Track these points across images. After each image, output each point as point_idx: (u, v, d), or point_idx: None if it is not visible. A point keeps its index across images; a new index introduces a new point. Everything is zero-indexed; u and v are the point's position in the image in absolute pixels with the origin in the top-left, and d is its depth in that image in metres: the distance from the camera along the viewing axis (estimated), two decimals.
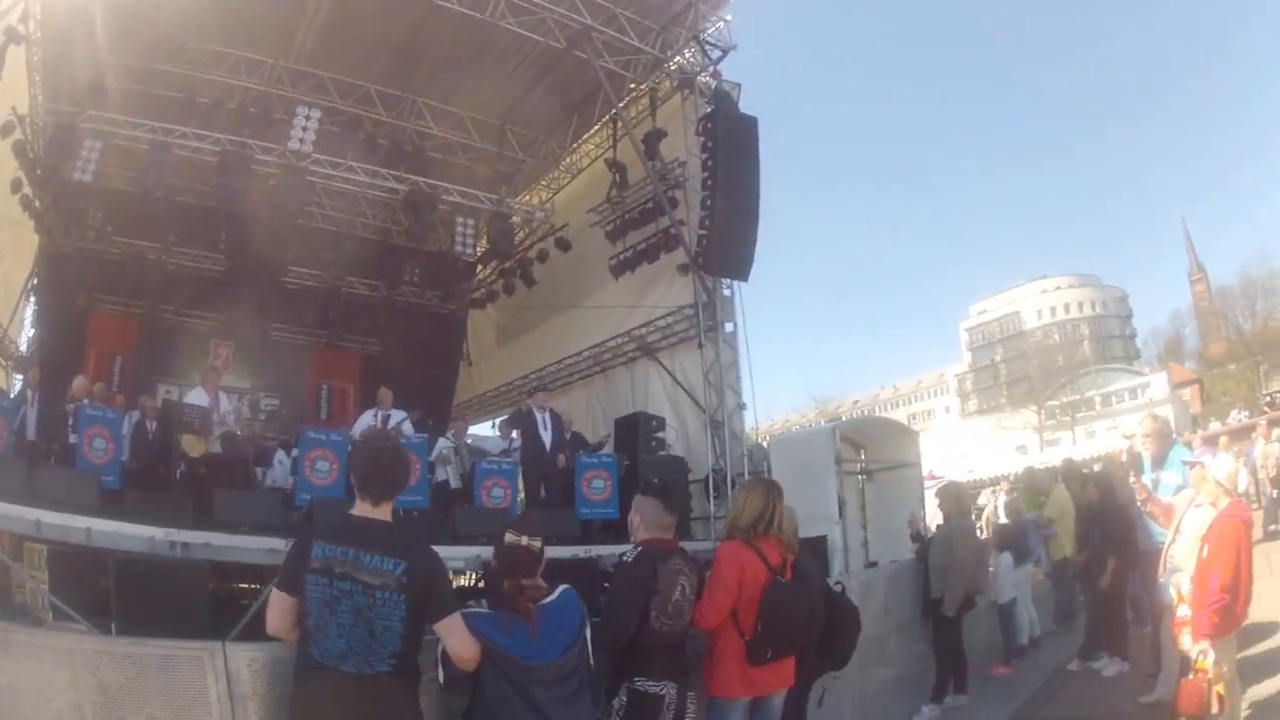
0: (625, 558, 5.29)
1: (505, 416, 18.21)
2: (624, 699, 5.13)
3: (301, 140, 16.40)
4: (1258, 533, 14.67)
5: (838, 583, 7.26)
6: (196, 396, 13.39)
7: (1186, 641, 6.65)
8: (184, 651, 4.46)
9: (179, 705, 4.35)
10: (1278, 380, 62.75)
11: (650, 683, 5.12)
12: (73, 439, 11.87)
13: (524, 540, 4.66)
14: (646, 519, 5.49)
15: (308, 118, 16.57)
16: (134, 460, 12.96)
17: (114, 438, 12.12)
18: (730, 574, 5.60)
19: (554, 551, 5.53)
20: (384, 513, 4.43)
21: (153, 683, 4.34)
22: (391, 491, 4.51)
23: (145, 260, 19.44)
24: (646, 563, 5.16)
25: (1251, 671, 7.66)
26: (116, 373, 18.45)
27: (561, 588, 4.70)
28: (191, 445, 12.32)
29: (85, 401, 12.40)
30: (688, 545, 10.78)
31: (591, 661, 4.70)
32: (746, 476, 15.48)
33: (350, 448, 12.30)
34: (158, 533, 9.59)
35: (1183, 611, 6.82)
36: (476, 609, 4.48)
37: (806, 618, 5.85)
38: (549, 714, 4.32)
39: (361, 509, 4.42)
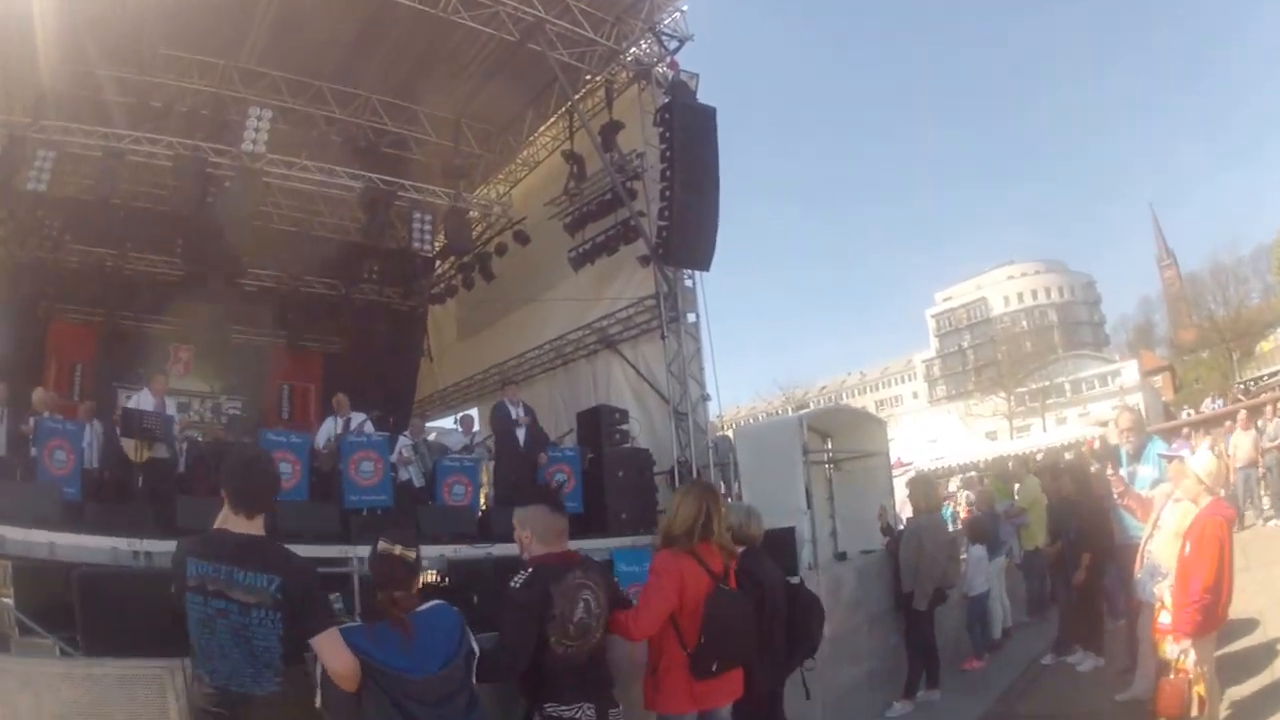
0: (514, 584, 4.84)
1: (466, 412, 18.19)
2: None
3: (254, 141, 16.13)
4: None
5: (796, 577, 7.22)
6: (142, 399, 13.36)
7: (1169, 649, 6.56)
8: (142, 671, 4.42)
9: None
10: (1250, 367, 63.07)
11: (563, 707, 4.79)
12: (33, 452, 11.75)
13: (397, 549, 4.45)
14: (536, 531, 5.07)
15: (259, 118, 16.30)
16: (104, 469, 12.90)
17: (74, 449, 12.02)
18: (669, 583, 5.26)
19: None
20: (257, 526, 4.23)
21: (113, 703, 4.31)
22: (265, 504, 4.31)
23: (103, 267, 19.28)
24: (537, 588, 4.75)
25: (1230, 669, 7.60)
26: (77, 381, 18.41)
27: (435, 601, 4.53)
28: (135, 450, 12.22)
29: (45, 414, 12.32)
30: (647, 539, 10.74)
31: (474, 679, 4.49)
32: (712, 468, 15.60)
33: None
34: (120, 543, 9.54)
35: (1164, 619, 6.75)
36: (348, 624, 4.30)
37: (752, 627, 5.55)
38: None
39: (234, 523, 4.20)
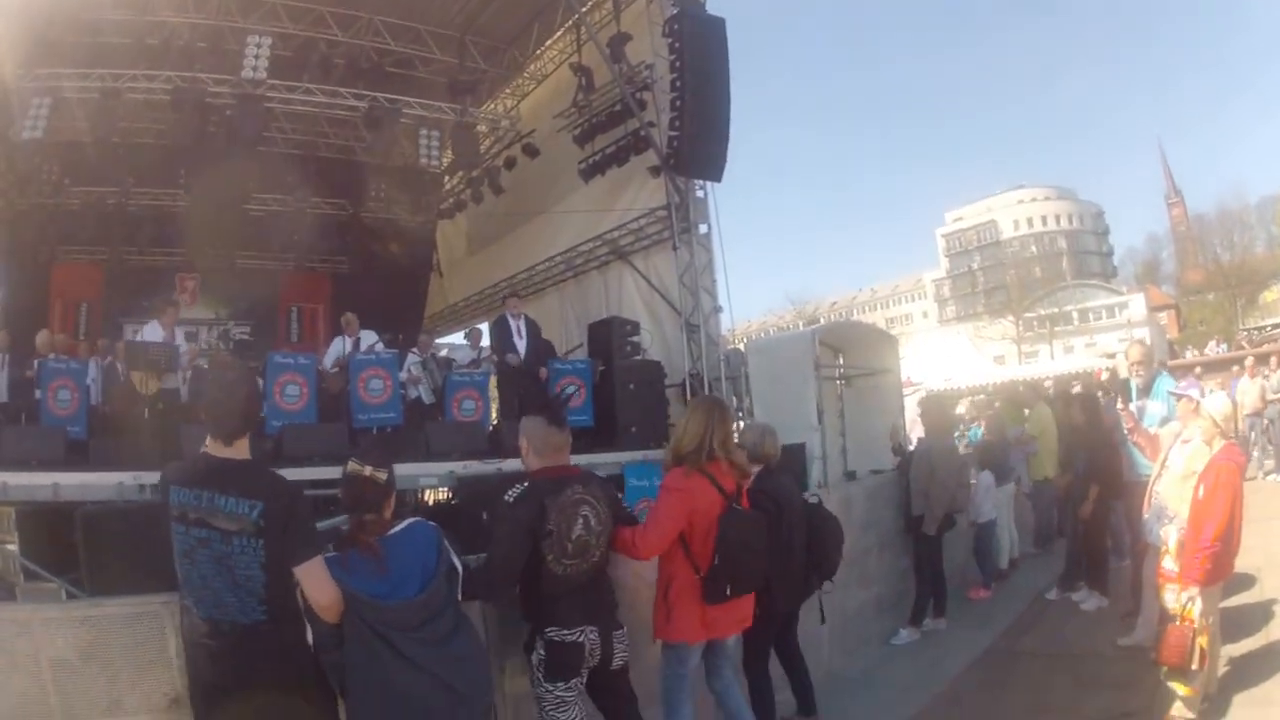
0: (508, 497, 4.73)
1: (474, 326, 18.19)
2: (541, 652, 4.73)
3: (254, 68, 16.00)
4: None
5: (814, 495, 7.11)
6: (150, 332, 13.18)
7: (1170, 598, 6.49)
8: (142, 608, 4.37)
9: (141, 663, 4.30)
10: (1254, 314, 64.57)
11: (565, 631, 4.70)
12: (37, 394, 11.89)
13: (367, 470, 4.28)
14: (534, 443, 4.97)
15: (259, 45, 16.14)
16: (107, 404, 12.84)
17: (79, 387, 12.12)
18: (680, 501, 5.16)
19: None
20: (240, 450, 4.07)
21: (113, 644, 4.27)
22: (246, 426, 4.12)
23: (105, 206, 19.23)
24: (531, 503, 4.65)
25: (1226, 627, 7.48)
26: (82, 320, 18.56)
27: (410, 520, 4.36)
28: (142, 382, 12.18)
29: (51, 356, 12.45)
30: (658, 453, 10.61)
31: (460, 598, 4.34)
32: (724, 381, 15.47)
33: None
34: (125, 477, 9.45)
35: (1168, 565, 6.68)
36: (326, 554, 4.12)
37: (764, 549, 5.42)
38: (420, 662, 3.99)
39: (215, 448, 4.04)
